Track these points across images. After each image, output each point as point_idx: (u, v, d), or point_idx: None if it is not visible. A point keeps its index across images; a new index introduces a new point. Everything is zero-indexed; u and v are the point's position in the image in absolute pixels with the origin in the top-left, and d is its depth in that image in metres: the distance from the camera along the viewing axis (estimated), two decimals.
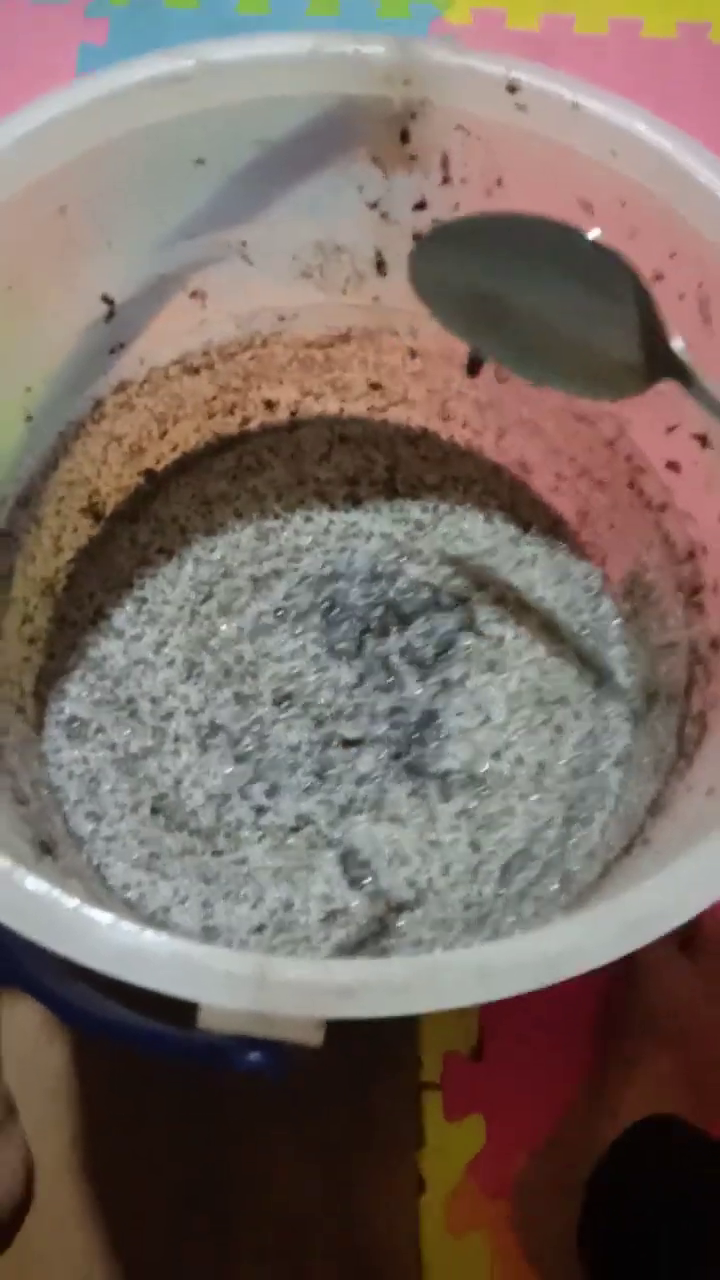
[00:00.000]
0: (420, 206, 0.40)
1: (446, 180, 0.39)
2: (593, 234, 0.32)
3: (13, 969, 0.27)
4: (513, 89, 0.35)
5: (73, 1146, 0.50)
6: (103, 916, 0.23)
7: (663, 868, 0.26)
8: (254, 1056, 0.24)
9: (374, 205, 0.40)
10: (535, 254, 0.33)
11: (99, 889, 0.42)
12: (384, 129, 0.38)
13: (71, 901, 0.23)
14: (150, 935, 0.23)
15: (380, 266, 0.43)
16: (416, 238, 0.41)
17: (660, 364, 0.32)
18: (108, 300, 0.40)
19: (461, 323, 0.37)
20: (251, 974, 0.23)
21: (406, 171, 0.39)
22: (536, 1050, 0.53)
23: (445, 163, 0.38)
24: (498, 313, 0.35)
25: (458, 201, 0.40)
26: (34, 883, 0.24)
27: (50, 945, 0.23)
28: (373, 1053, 0.51)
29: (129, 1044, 0.26)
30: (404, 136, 0.38)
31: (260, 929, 0.43)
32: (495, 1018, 0.53)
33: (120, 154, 0.36)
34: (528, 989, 0.23)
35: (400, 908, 0.43)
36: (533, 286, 0.34)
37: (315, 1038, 0.24)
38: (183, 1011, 0.25)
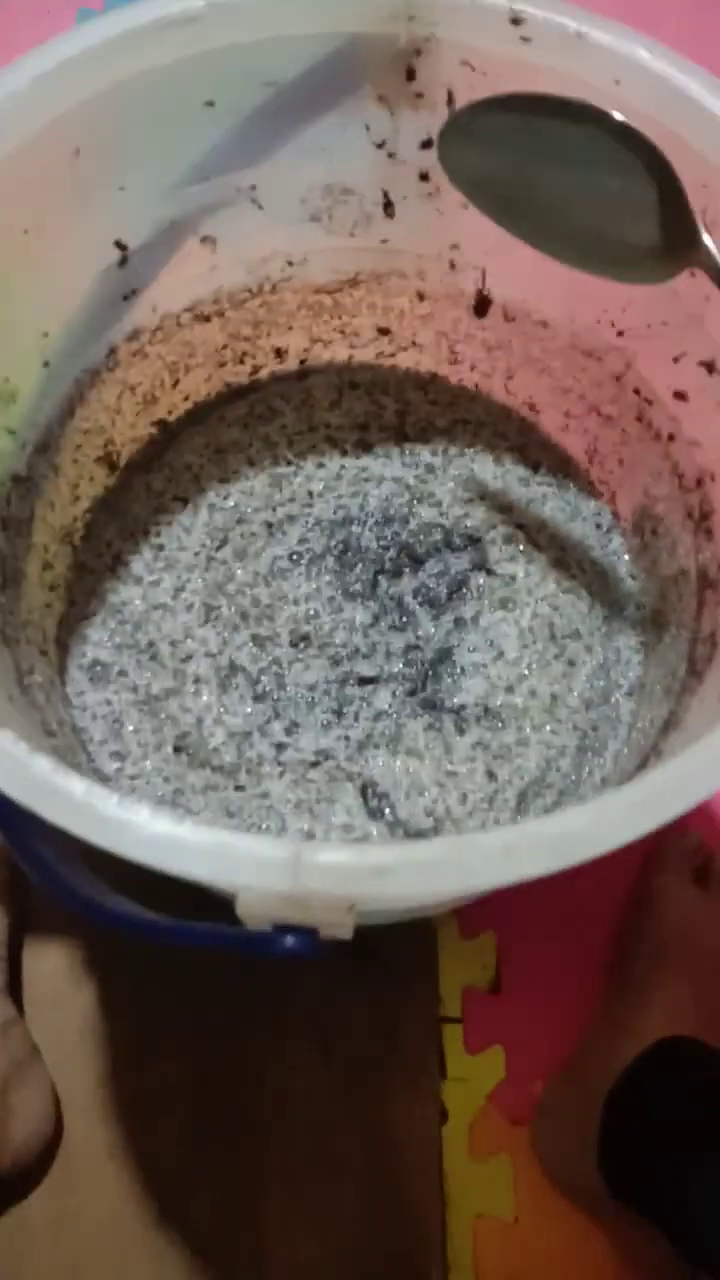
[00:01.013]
0: (427, 145, 0.41)
1: None
2: (619, 116, 0.32)
3: (56, 885, 0.28)
4: (516, 21, 0.36)
5: (100, 1082, 0.51)
6: (142, 810, 0.24)
7: (676, 754, 0.27)
8: (289, 941, 0.25)
9: (381, 145, 0.41)
10: (564, 136, 0.33)
11: None
12: (390, 67, 0.38)
13: (111, 797, 0.25)
14: (189, 825, 0.24)
15: (388, 208, 0.44)
16: (423, 177, 0.42)
17: (686, 253, 0.33)
18: (121, 245, 0.41)
19: (490, 202, 0.37)
20: (287, 856, 0.24)
21: (413, 109, 0.40)
22: (552, 982, 0.54)
23: (451, 99, 0.39)
24: (526, 194, 0.36)
25: None
26: (75, 782, 0.25)
27: (93, 840, 0.24)
28: (393, 989, 0.53)
29: (171, 939, 0.28)
30: (409, 74, 0.38)
31: None
32: (512, 950, 0.54)
33: (131, 95, 0.36)
34: (554, 868, 0.24)
35: (419, 835, 0.45)
36: (562, 168, 0.34)
37: (348, 923, 0.25)
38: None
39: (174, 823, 0.24)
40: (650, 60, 0.35)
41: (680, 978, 0.50)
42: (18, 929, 0.52)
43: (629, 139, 0.32)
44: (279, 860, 0.24)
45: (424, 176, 0.42)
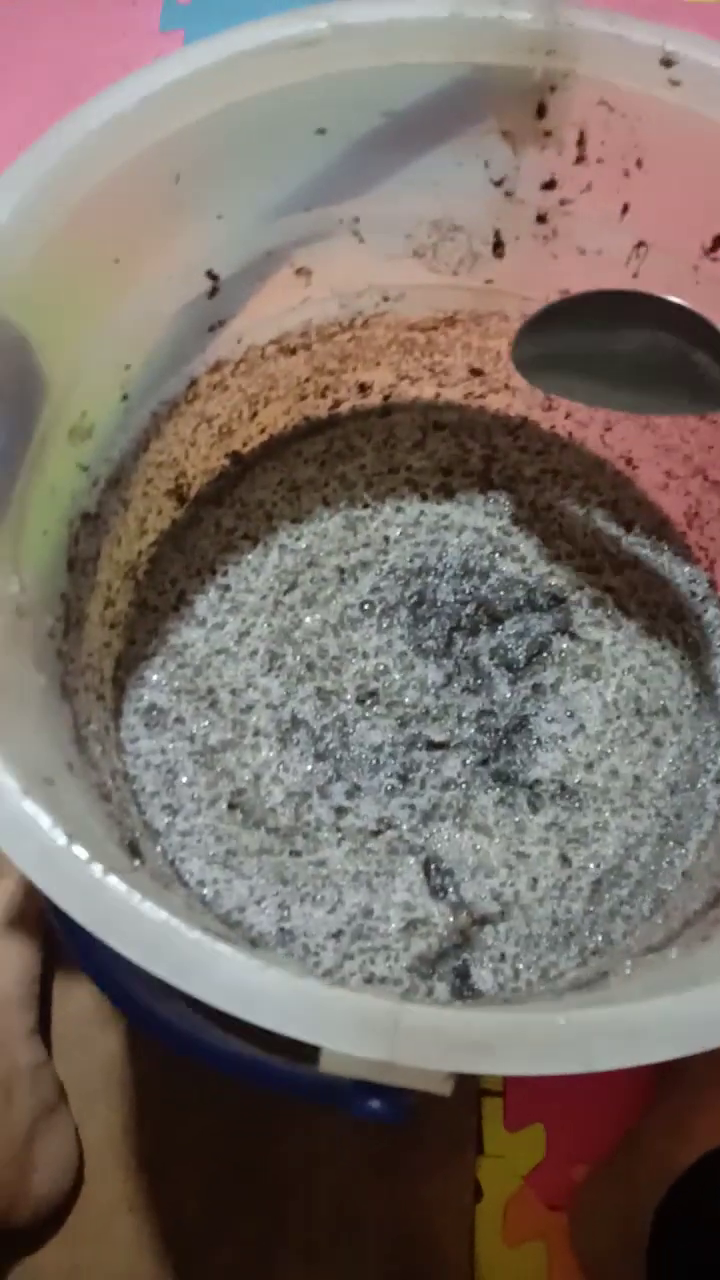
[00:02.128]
0: (549, 186, 0.38)
1: (582, 159, 0.36)
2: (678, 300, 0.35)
3: (115, 988, 0.25)
4: (668, 62, 0.33)
5: (123, 1132, 0.49)
6: (224, 949, 0.22)
7: None
8: (374, 1105, 0.22)
9: (499, 183, 0.38)
10: (630, 320, 0.37)
11: (174, 884, 0.41)
12: (519, 101, 0.35)
13: (191, 933, 0.22)
14: (274, 973, 0.22)
15: (497, 248, 0.41)
16: (540, 219, 0.39)
17: None
18: (213, 275, 0.38)
19: (561, 385, 0.41)
20: (384, 1022, 0.21)
21: (539, 148, 0.36)
22: None
23: (582, 140, 0.36)
24: (602, 374, 0.39)
25: (590, 181, 0.37)
26: (152, 909, 0.22)
27: (169, 978, 0.22)
28: None
29: (239, 1076, 0.25)
30: (540, 110, 0.35)
31: (338, 935, 0.41)
32: None
33: (241, 119, 0.34)
34: (681, 1054, 0.21)
35: (484, 920, 0.42)
36: (628, 344, 0.37)
37: (444, 1088, 0.22)
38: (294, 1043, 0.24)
39: (257, 969, 0.22)
40: None
41: None
42: (49, 966, 0.50)
43: (697, 325, 0.35)
44: (376, 1026, 0.21)
45: (541, 218, 0.39)
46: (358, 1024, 0.21)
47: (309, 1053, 0.22)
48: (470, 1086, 0.51)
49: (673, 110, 0.33)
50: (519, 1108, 0.51)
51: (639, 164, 0.36)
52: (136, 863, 0.33)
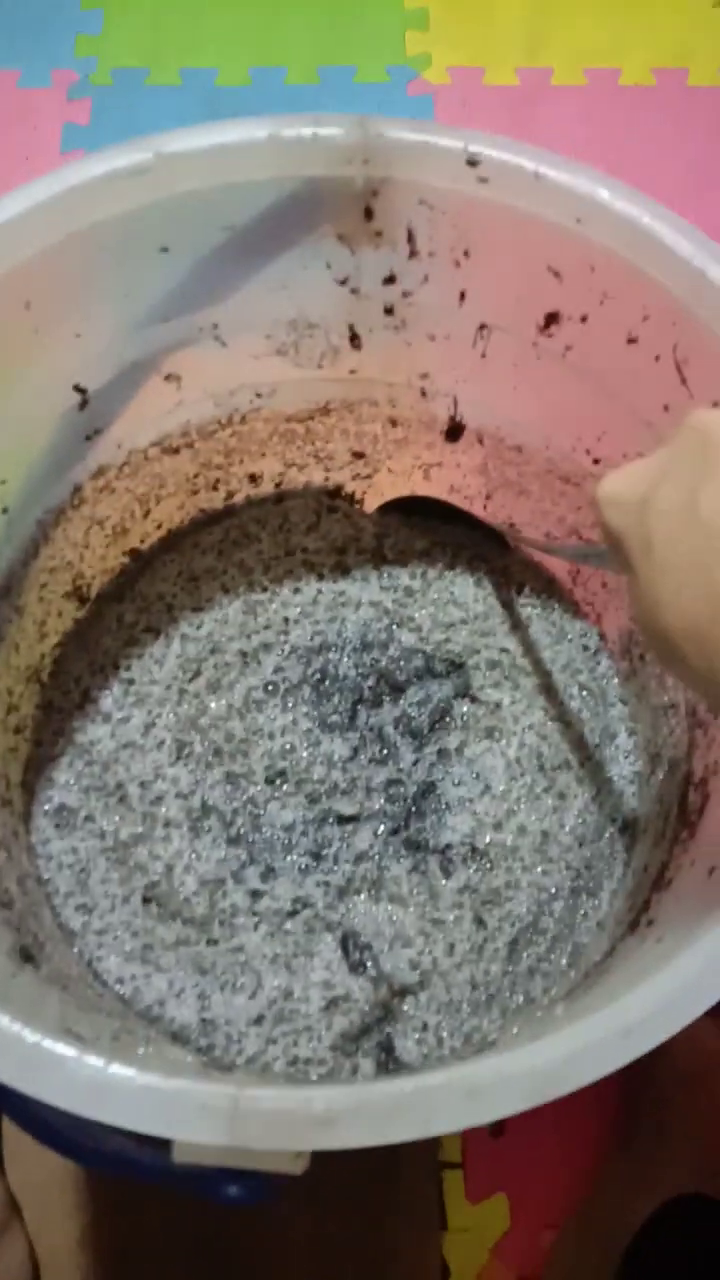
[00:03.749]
0: (390, 280, 0.40)
1: (414, 254, 0.39)
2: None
3: None
4: (473, 163, 0.35)
5: (81, 1239, 0.48)
6: (66, 1051, 0.22)
7: (665, 963, 0.25)
8: (233, 1190, 0.22)
9: (343, 282, 0.40)
10: None
11: (91, 985, 0.41)
12: (348, 207, 0.37)
13: (33, 1036, 0.22)
14: (117, 1069, 0.22)
15: (354, 340, 0.43)
16: (388, 311, 0.41)
17: None
18: (80, 389, 0.40)
19: None
20: (224, 1107, 0.22)
21: (373, 247, 0.39)
22: (559, 1122, 0.51)
23: (411, 237, 0.38)
24: None
25: (426, 274, 0.39)
26: None
27: (11, 1082, 0.22)
28: None
29: (108, 1170, 0.25)
30: (368, 213, 0.38)
31: (259, 1020, 0.41)
32: None
33: (84, 246, 0.36)
34: (520, 1108, 0.22)
35: (404, 991, 0.42)
36: None
37: (296, 1166, 0.22)
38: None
39: (98, 1069, 0.22)
40: (610, 199, 0.34)
41: (695, 1124, 0.46)
42: None
43: None
44: (214, 1110, 0.22)
45: (389, 310, 0.41)
46: (198, 1113, 0.22)
47: (164, 1144, 0.22)
48: (429, 1160, 0.50)
49: (486, 204, 0.36)
50: (479, 1178, 0.50)
51: (466, 254, 0.38)
52: (29, 967, 0.33)
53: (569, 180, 0.35)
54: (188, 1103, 0.22)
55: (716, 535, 0.23)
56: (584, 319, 0.38)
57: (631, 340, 0.36)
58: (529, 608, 0.49)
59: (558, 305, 0.38)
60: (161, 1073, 0.22)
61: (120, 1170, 0.25)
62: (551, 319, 0.38)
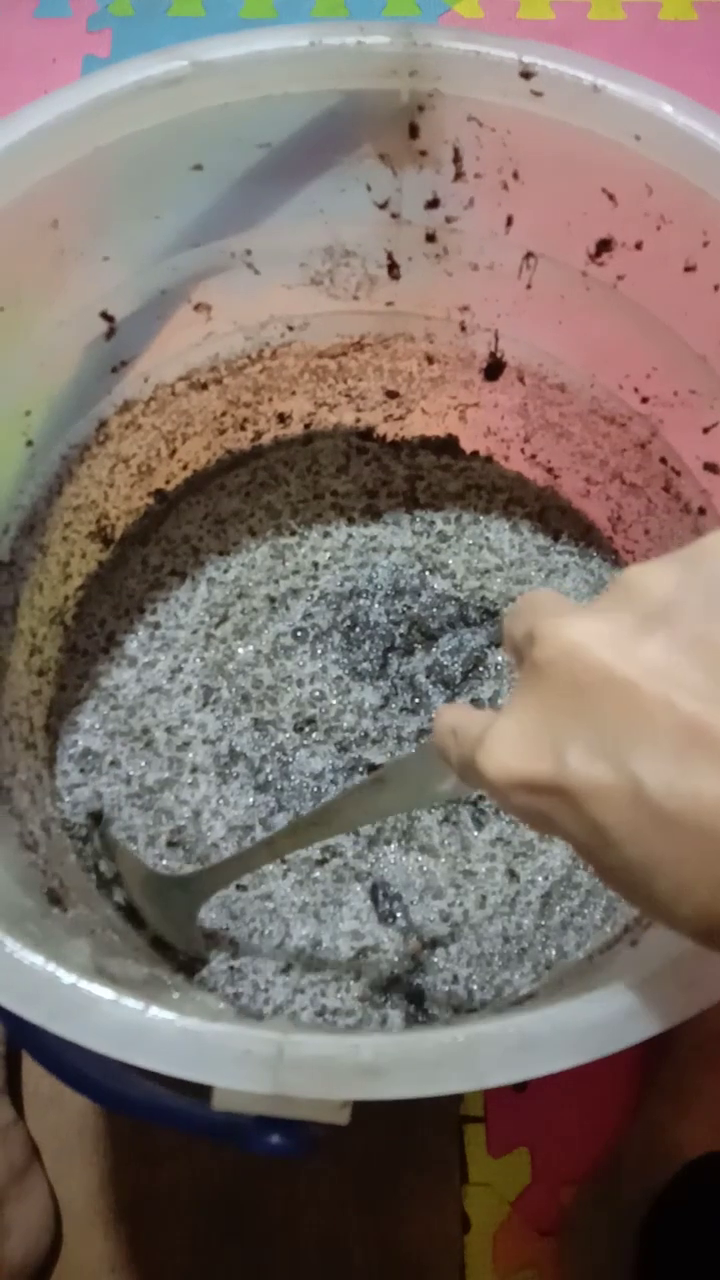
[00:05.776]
0: (433, 205, 0.38)
1: (460, 175, 0.37)
2: None
3: (19, 1031, 0.25)
4: (527, 75, 0.33)
5: (101, 1188, 0.48)
6: (103, 993, 0.21)
7: None
8: (274, 1140, 0.22)
9: (383, 205, 0.38)
10: None
11: (119, 932, 0.40)
12: (392, 123, 0.35)
13: (68, 977, 0.21)
14: (156, 1012, 0.21)
15: (392, 269, 0.41)
16: (429, 238, 0.39)
17: None
18: (107, 317, 0.38)
19: None
20: (269, 1054, 0.21)
21: (417, 168, 0.37)
22: (581, 1079, 0.50)
23: (458, 157, 0.36)
24: None
25: (472, 197, 0.37)
26: (27, 955, 0.22)
27: (45, 1024, 0.21)
28: None
29: (139, 1117, 0.24)
30: (413, 131, 0.35)
31: (287, 969, 0.41)
32: None
33: (113, 162, 0.34)
34: (577, 1062, 0.21)
35: (434, 943, 0.41)
36: None
37: (340, 1117, 0.21)
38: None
39: (137, 1011, 0.21)
40: (673, 114, 0.32)
41: (713, 1085, 0.46)
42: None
43: None
44: (258, 1057, 0.21)
45: (430, 237, 0.39)
46: (241, 1059, 0.21)
47: (201, 1091, 0.22)
48: (451, 1113, 0.49)
49: (540, 121, 0.34)
50: (501, 1132, 0.50)
51: (516, 176, 0.36)
52: (56, 910, 0.32)
53: (630, 94, 0.32)
54: (231, 1048, 0.21)
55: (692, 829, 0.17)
56: (638, 245, 0.36)
57: (689, 268, 0.34)
58: (566, 555, 0.48)
59: (611, 231, 0.36)
60: (202, 1016, 0.21)
61: (152, 1117, 0.24)
62: (603, 246, 0.36)
